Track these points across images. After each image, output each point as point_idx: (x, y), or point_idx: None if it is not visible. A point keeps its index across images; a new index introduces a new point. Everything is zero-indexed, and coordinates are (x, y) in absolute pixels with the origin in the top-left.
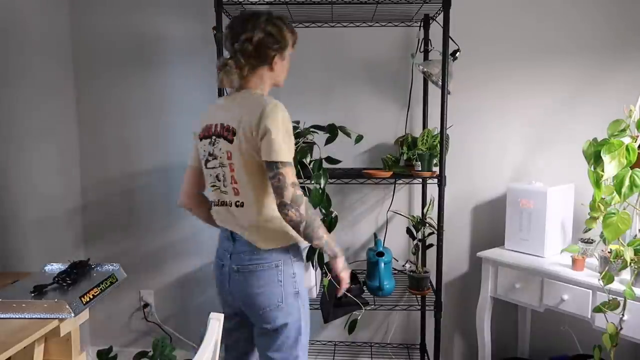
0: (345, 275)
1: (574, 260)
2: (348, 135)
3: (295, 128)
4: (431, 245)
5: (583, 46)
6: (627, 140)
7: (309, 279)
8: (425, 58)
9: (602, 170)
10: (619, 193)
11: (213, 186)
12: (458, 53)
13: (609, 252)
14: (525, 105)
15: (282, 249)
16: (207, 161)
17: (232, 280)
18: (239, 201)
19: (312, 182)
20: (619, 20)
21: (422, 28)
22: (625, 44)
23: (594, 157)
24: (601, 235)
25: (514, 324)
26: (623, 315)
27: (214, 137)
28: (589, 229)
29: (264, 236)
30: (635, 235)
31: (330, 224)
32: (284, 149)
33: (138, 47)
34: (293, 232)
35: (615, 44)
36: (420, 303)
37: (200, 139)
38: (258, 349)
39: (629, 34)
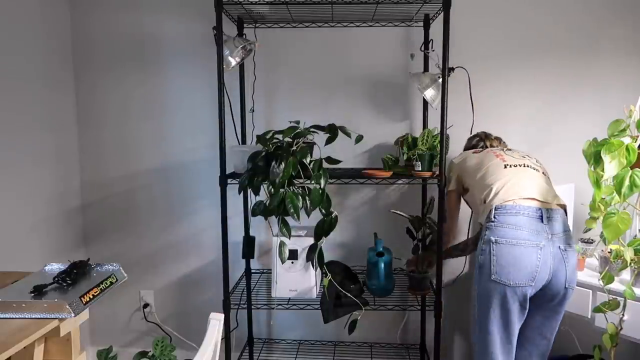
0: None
1: None
2: (348, 135)
3: (295, 128)
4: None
5: (583, 45)
6: (627, 140)
7: (309, 279)
8: (426, 58)
9: (602, 170)
10: (619, 193)
11: (521, 157)
12: (452, 72)
13: (609, 252)
14: (525, 105)
15: None
16: (509, 150)
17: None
18: None
19: (312, 182)
20: (620, 19)
21: (423, 29)
22: (625, 43)
23: (594, 157)
24: (601, 235)
25: None
26: (623, 315)
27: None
28: (589, 229)
29: None
30: (635, 235)
31: (330, 224)
32: None
33: (138, 46)
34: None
35: (615, 44)
36: (420, 303)
37: (486, 148)
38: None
39: (630, 33)
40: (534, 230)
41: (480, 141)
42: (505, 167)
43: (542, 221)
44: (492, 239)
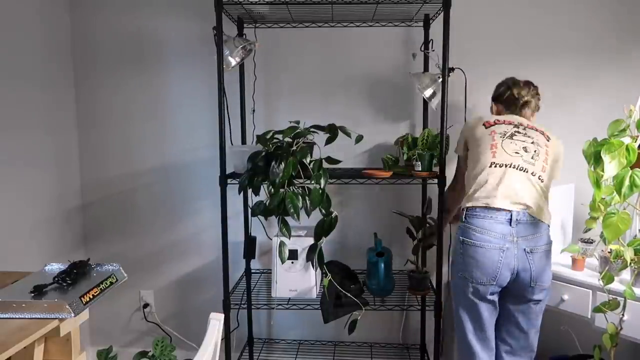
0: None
1: (574, 260)
2: (348, 135)
3: (295, 128)
4: (431, 245)
5: (583, 45)
6: (627, 140)
7: (309, 279)
8: (426, 58)
9: (602, 170)
10: (619, 193)
11: (516, 152)
12: (452, 72)
13: (609, 252)
14: None
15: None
16: (512, 135)
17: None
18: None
19: (312, 182)
20: (619, 19)
21: (423, 28)
22: (625, 43)
23: (594, 157)
24: (601, 235)
25: None
26: (623, 315)
27: (522, 127)
28: (589, 229)
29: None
30: (635, 235)
31: (330, 224)
32: None
33: (138, 47)
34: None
35: (615, 43)
36: (420, 303)
37: (494, 124)
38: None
39: (630, 33)
40: (499, 234)
41: (507, 90)
42: (491, 165)
43: (510, 224)
44: (461, 239)
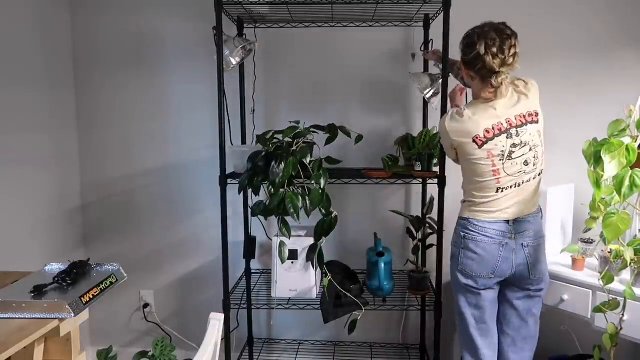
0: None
1: (574, 260)
2: (348, 135)
3: (295, 128)
4: (431, 245)
5: (583, 46)
6: (627, 140)
7: (309, 279)
8: (426, 58)
9: (602, 170)
10: (619, 193)
11: (519, 172)
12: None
13: (609, 252)
14: None
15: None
16: (510, 153)
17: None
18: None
19: (312, 182)
20: (619, 20)
21: (423, 28)
22: (625, 43)
23: (594, 157)
24: (601, 235)
25: None
26: (623, 315)
27: (513, 129)
28: (589, 229)
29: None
30: (635, 235)
31: (330, 224)
32: None
33: (138, 47)
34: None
35: (615, 44)
36: (420, 303)
37: (486, 141)
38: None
39: (629, 33)
40: (499, 231)
41: (478, 58)
42: (497, 191)
43: (509, 223)
44: (462, 234)
